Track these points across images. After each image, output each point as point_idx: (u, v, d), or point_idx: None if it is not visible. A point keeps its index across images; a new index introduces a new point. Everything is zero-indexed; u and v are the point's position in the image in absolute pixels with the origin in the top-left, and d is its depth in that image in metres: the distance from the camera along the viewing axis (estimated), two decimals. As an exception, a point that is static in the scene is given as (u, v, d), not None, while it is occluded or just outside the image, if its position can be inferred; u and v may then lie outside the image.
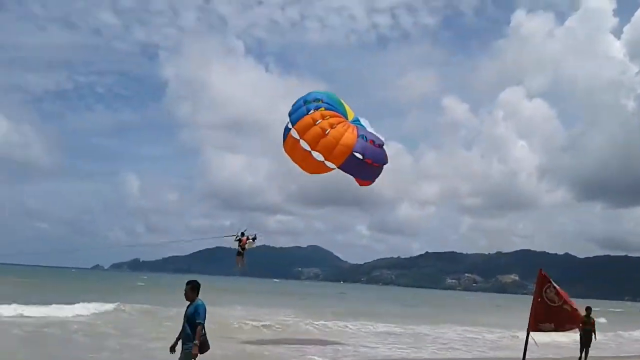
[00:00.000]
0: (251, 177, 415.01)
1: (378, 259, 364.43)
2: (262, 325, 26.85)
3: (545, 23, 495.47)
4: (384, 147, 14.99)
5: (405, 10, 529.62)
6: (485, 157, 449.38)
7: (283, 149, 14.47)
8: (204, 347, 8.90)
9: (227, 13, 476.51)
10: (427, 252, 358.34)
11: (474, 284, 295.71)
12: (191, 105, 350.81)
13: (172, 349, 8.91)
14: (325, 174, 14.78)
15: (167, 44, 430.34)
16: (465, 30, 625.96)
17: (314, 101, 13.90)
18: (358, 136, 13.70)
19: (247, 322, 27.48)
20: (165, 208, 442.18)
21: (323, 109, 13.74)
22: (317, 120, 13.53)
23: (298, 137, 13.77)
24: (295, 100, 14.18)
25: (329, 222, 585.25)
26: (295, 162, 14.33)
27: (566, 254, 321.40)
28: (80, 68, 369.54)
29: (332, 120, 13.52)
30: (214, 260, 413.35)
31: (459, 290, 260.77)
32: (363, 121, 15.20)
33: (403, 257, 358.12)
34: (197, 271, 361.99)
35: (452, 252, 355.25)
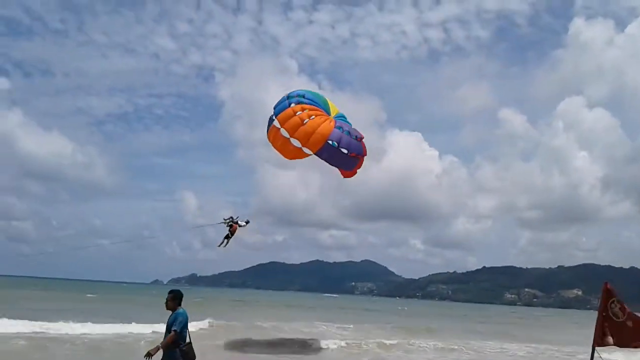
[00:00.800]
0: (304, 194, 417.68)
1: (433, 274, 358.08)
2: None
3: (605, 30, 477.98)
4: (363, 140, 15.74)
5: (457, 24, 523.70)
6: (544, 169, 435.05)
7: (266, 138, 15.79)
8: (186, 356, 8.85)
9: (279, 34, 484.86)
10: (484, 266, 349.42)
11: (535, 299, 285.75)
12: (246, 124, 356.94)
13: (149, 355, 8.52)
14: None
15: (222, 66, 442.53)
16: (520, 41, 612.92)
17: (296, 96, 15.03)
18: (335, 127, 14.71)
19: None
20: (221, 225, 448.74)
21: (305, 103, 15.01)
22: (297, 112, 14.69)
23: (279, 127, 14.89)
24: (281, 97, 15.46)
25: (382, 236, 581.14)
26: (276, 149, 15.30)
27: (632, 267, 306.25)
28: (140, 91, 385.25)
29: (311, 112, 14.73)
30: (268, 275, 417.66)
31: (519, 305, 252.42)
32: (349, 119, 16.38)
33: (459, 271, 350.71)
34: (251, 286, 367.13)
35: (511, 267, 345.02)
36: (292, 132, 14.74)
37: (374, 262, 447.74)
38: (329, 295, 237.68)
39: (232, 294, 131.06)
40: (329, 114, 15.52)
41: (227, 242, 17.69)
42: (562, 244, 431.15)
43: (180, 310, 9.10)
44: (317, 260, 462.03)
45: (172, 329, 8.77)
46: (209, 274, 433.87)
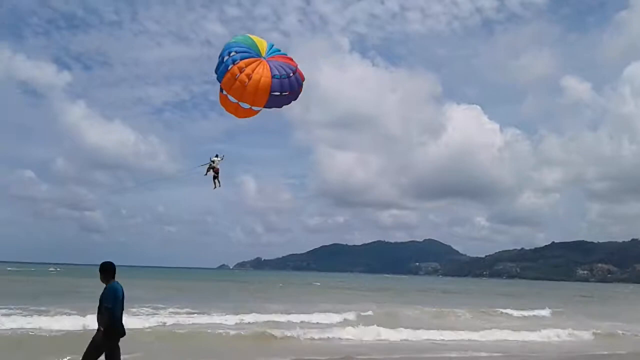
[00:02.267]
0: (363, 173, 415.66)
1: (500, 251, 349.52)
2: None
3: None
4: (296, 70, 15.95)
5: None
6: (613, 138, 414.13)
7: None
8: (116, 332, 8.34)
9: (327, 12, 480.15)
10: (553, 242, 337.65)
11: (609, 275, 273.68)
12: (300, 105, 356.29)
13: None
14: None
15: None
16: (580, 5, 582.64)
17: (229, 55, 15.51)
18: (272, 77, 15.29)
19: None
20: (281, 207, 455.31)
21: (238, 60, 15.35)
22: (236, 75, 15.21)
23: (226, 93, 15.59)
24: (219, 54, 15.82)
25: (444, 214, 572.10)
26: (230, 113, 16.30)
27: None
28: (195, 78, 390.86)
29: (247, 70, 15.25)
30: (331, 257, 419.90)
31: (592, 282, 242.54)
32: (275, 47, 16.53)
33: (527, 248, 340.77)
34: (315, 268, 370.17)
35: (582, 241, 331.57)
36: (239, 97, 15.59)
37: (437, 241, 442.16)
38: (395, 276, 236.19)
39: (315, 277, 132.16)
40: (260, 56, 16.00)
41: (218, 182, 17.84)
42: (636, 215, 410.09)
43: (111, 283, 8.56)
44: (379, 240, 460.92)
45: (104, 305, 8.26)
46: (273, 257, 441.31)
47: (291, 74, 15.95)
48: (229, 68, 15.47)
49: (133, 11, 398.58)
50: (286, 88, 15.68)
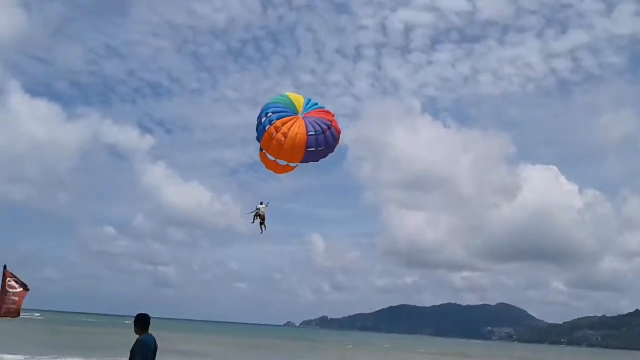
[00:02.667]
0: (433, 234, 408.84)
1: (579, 318, 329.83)
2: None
3: None
4: (331, 125, 17.01)
5: (587, 52, 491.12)
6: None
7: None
8: None
9: (398, 76, 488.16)
10: (637, 309, 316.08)
11: None
12: (371, 166, 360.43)
13: None
14: None
15: (344, 111, 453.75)
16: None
17: (266, 116, 16.70)
18: (307, 134, 16.30)
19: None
20: (349, 267, 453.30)
21: (275, 120, 16.53)
22: (272, 134, 16.32)
23: (265, 152, 16.82)
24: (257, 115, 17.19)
25: (519, 277, 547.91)
26: (270, 169, 17.34)
27: None
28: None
29: (284, 129, 16.31)
30: (399, 318, 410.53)
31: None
32: (313, 101, 17.69)
33: (609, 315, 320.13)
34: (383, 329, 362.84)
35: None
36: (277, 154, 16.63)
37: (511, 305, 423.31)
38: (467, 340, 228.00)
39: (384, 338, 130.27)
40: (297, 113, 17.05)
41: (264, 227, 19.24)
42: None
43: (143, 336, 8.35)
44: (450, 302, 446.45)
45: (135, 358, 8.01)
46: (340, 316, 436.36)
47: (326, 129, 16.87)
48: (267, 128, 16.56)
49: (213, 80, 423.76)
50: (321, 143, 16.60)
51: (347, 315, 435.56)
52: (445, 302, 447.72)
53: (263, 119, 16.77)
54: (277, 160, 16.94)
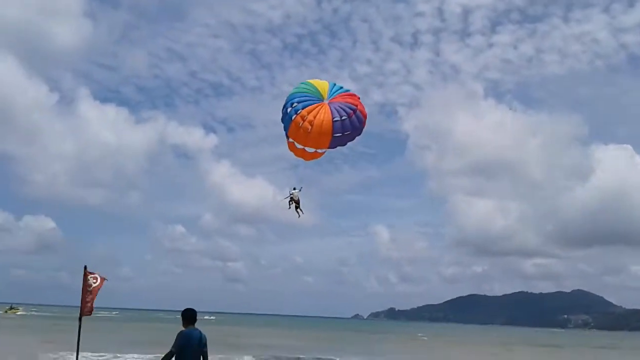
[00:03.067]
0: (502, 221, 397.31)
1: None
2: None
3: None
4: (357, 108, 17.11)
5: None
6: None
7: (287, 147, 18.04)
8: None
9: (458, 61, 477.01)
10: None
11: None
12: (435, 154, 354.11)
13: None
14: None
15: (403, 100, 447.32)
16: None
17: (291, 106, 16.86)
18: (333, 120, 16.61)
19: None
20: (415, 258, 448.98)
21: (300, 109, 16.77)
22: (299, 124, 16.59)
23: (292, 140, 17.08)
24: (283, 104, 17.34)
25: (595, 263, 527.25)
26: (298, 157, 17.70)
27: None
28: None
29: (309, 117, 16.61)
30: (469, 308, 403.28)
31: None
32: (338, 85, 17.84)
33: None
34: (453, 319, 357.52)
35: None
36: (304, 142, 17.00)
37: (588, 292, 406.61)
38: (544, 329, 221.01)
39: (455, 329, 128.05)
40: (322, 99, 17.31)
41: (300, 211, 19.53)
42: None
43: (185, 330, 8.36)
44: (522, 291, 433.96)
45: (171, 349, 8.06)
46: (408, 307, 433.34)
47: (352, 113, 17.06)
48: (293, 118, 16.84)
49: (271, 77, 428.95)
50: (347, 128, 16.90)
51: (415, 307, 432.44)
52: (517, 290, 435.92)
53: (289, 109, 16.99)
54: (306, 148, 17.22)
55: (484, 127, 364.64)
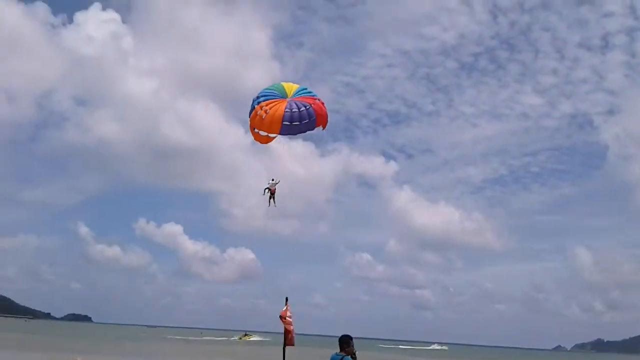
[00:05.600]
0: None
1: None
2: None
3: None
4: (312, 106, 20.11)
5: None
6: None
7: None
8: None
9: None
10: None
11: None
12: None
13: None
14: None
15: (598, 109, 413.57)
16: None
17: (256, 98, 20.27)
18: (284, 111, 19.59)
19: None
20: (625, 282, 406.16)
21: (262, 101, 20.02)
22: (258, 112, 19.74)
23: (251, 125, 20.25)
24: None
25: None
26: (257, 141, 20.62)
27: None
28: (512, 152, 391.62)
29: (267, 107, 19.89)
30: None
31: None
32: (308, 90, 21.04)
33: None
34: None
35: None
36: (259, 127, 20.09)
37: None
38: None
39: None
40: (285, 97, 20.57)
41: (274, 202, 21.98)
42: None
43: (333, 354, 9.15)
44: None
45: None
46: (618, 338, 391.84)
47: (302, 108, 20.03)
48: (254, 108, 20.16)
49: (448, 99, 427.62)
50: (296, 119, 19.82)
51: (627, 337, 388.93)
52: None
53: (254, 102, 20.35)
54: (260, 132, 20.51)
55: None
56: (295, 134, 21.19)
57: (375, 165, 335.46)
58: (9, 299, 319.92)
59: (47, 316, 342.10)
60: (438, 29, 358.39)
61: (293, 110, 20.12)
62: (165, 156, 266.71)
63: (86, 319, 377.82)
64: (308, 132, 21.34)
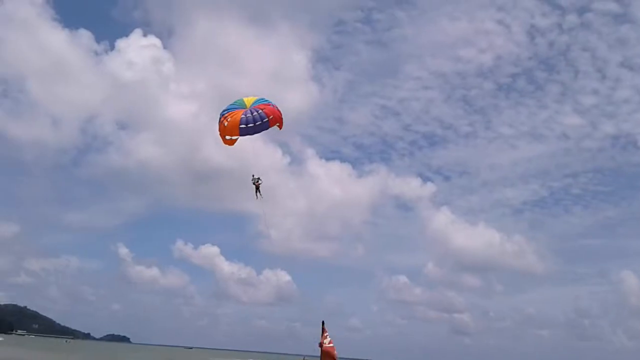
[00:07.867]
0: None
1: None
2: None
3: None
4: (264, 111, 25.49)
5: None
6: None
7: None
8: None
9: None
10: None
11: None
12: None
13: None
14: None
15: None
16: None
17: (221, 112, 25.53)
18: (241, 116, 24.56)
19: None
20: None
21: (226, 113, 25.41)
22: (222, 122, 25.16)
23: (220, 134, 25.51)
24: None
25: None
26: (225, 144, 25.92)
27: None
28: (553, 174, 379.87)
29: (228, 116, 25.06)
30: None
31: None
32: (265, 98, 26.53)
33: None
34: None
35: None
36: (223, 133, 25.20)
37: None
38: None
39: None
40: (244, 107, 25.42)
41: (260, 195, 26.78)
42: None
43: None
44: None
45: None
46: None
47: (255, 113, 24.89)
48: (220, 119, 25.34)
49: (486, 120, 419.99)
50: (250, 121, 24.63)
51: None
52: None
53: (220, 115, 25.68)
54: (225, 136, 25.47)
55: None
56: (252, 134, 25.42)
57: (412, 187, 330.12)
58: (50, 319, 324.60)
59: (87, 336, 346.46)
60: (474, 51, 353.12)
61: (247, 115, 25.05)
62: (203, 178, 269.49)
63: (124, 339, 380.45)
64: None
